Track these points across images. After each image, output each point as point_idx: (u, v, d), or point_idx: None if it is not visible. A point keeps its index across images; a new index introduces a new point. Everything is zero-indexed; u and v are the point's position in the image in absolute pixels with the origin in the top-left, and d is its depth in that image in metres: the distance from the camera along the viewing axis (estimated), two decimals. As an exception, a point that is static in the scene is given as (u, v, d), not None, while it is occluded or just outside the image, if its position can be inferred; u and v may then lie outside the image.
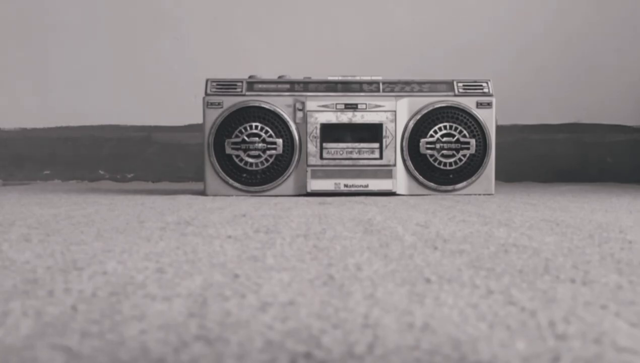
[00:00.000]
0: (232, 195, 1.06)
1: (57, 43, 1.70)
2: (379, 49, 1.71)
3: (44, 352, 0.22)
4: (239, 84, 1.08)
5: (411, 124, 1.08)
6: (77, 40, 1.71)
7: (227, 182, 1.07)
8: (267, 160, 1.06)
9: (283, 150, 1.06)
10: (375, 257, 0.42)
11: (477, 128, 1.08)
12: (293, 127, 1.07)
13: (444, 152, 1.07)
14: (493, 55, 1.71)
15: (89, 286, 0.33)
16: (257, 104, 1.06)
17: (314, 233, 0.54)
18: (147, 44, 1.72)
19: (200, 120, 1.13)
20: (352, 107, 1.07)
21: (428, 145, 1.07)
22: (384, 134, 1.07)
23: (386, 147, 1.08)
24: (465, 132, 1.08)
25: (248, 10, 1.73)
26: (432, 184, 1.09)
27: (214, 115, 1.06)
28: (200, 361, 0.22)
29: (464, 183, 1.09)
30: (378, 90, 1.09)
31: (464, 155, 1.08)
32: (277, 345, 0.23)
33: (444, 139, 1.07)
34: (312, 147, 1.07)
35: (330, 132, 1.08)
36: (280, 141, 1.06)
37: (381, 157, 1.08)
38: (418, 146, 1.08)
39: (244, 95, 1.07)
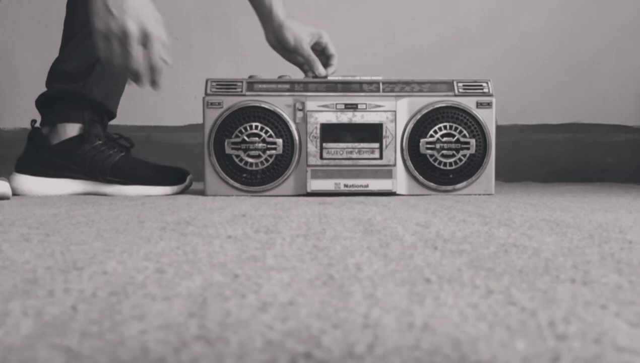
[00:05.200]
0: (232, 195, 1.06)
1: (57, 43, 1.70)
2: (378, 49, 1.71)
3: (44, 352, 0.22)
4: (239, 84, 1.08)
5: (411, 124, 1.08)
6: (77, 40, 1.71)
7: (227, 182, 1.07)
8: (267, 160, 1.06)
9: (283, 150, 1.06)
10: (375, 257, 0.42)
11: (477, 128, 1.08)
12: (293, 127, 1.07)
13: (444, 152, 1.07)
14: (493, 55, 1.71)
15: (89, 286, 0.33)
16: (257, 104, 1.06)
17: (314, 233, 0.54)
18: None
19: (200, 120, 1.13)
20: (352, 107, 1.07)
21: (428, 145, 1.07)
22: (384, 134, 1.07)
23: (386, 147, 1.08)
24: (465, 132, 1.08)
25: (248, 10, 1.72)
26: (432, 184, 1.09)
27: (214, 115, 1.06)
28: (200, 361, 0.22)
29: (464, 183, 1.09)
30: (378, 90, 1.09)
31: (464, 155, 1.08)
32: (277, 345, 0.23)
33: (444, 139, 1.07)
34: (312, 147, 1.07)
35: (330, 132, 1.08)
36: (280, 141, 1.06)
37: (381, 157, 1.08)
38: (418, 146, 1.08)
39: (244, 95, 1.07)
